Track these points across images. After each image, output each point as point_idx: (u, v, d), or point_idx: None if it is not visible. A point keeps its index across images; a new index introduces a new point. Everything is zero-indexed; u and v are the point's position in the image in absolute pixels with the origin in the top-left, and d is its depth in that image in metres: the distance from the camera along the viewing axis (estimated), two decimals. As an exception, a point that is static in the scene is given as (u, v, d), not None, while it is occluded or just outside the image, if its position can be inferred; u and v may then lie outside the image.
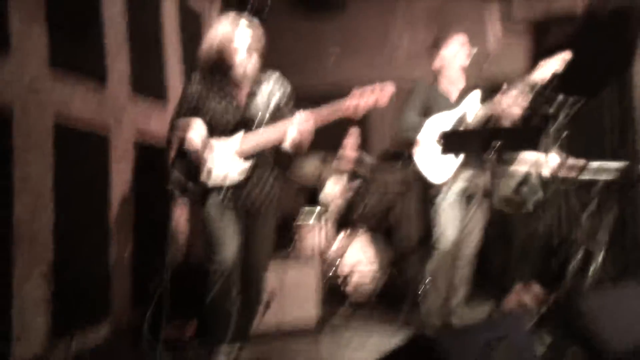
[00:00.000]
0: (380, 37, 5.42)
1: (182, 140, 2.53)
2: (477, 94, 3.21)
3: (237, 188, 2.58)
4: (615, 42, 4.06)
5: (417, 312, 3.31)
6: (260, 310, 2.90)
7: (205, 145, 2.54)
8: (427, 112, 3.21)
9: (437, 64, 3.28)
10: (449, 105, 3.22)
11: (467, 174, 3.14)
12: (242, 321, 2.68)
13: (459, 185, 3.15)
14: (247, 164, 2.57)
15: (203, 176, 2.55)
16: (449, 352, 1.92)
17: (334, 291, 3.94)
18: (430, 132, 3.13)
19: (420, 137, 3.16)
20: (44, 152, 2.91)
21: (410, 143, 3.19)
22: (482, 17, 5.14)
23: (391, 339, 3.19)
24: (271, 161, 2.69)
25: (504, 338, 1.99)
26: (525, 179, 3.42)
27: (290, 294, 3.45)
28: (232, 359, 2.65)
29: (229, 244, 2.56)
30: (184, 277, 3.21)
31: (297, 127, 2.48)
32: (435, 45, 3.28)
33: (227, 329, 2.60)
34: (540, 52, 4.42)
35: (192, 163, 2.56)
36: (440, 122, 3.16)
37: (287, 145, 2.52)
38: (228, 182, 2.55)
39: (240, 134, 2.57)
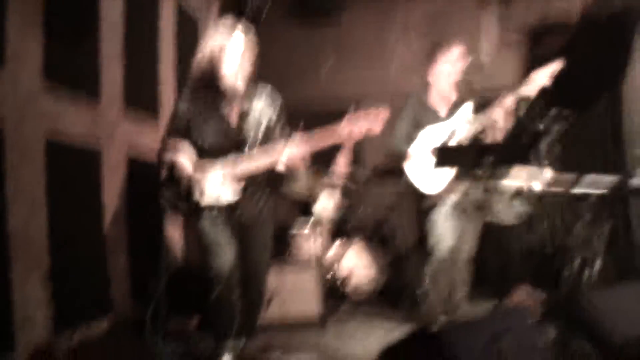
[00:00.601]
0: (375, 46, 5.42)
1: (173, 164, 2.53)
2: (469, 106, 3.23)
3: (231, 207, 2.57)
4: (610, 51, 4.11)
5: (419, 309, 3.31)
6: (263, 307, 2.88)
7: (196, 168, 2.53)
8: (418, 126, 3.23)
9: (431, 77, 3.30)
10: (439, 119, 3.24)
11: (460, 187, 3.15)
12: (247, 318, 2.67)
13: (453, 198, 3.16)
14: (239, 186, 2.56)
15: (196, 196, 2.54)
16: (454, 345, 1.93)
17: (334, 292, 3.95)
18: (422, 145, 3.16)
19: (412, 150, 3.18)
20: (36, 167, 2.90)
21: (401, 157, 3.21)
22: (478, 26, 5.16)
23: (395, 331, 3.18)
24: (264, 180, 2.66)
25: (508, 331, 1.99)
26: (517, 193, 3.45)
27: (291, 294, 3.47)
28: (238, 351, 2.65)
29: (226, 254, 2.56)
30: (185, 275, 3.20)
31: (290, 153, 2.47)
32: (431, 56, 3.29)
33: (230, 330, 2.59)
34: (535, 63, 4.47)
35: (183, 185, 2.54)
36: (432, 135, 3.19)
37: (281, 167, 2.51)
38: (221, 202, 2.54)
39: (232, 157, 2.55)
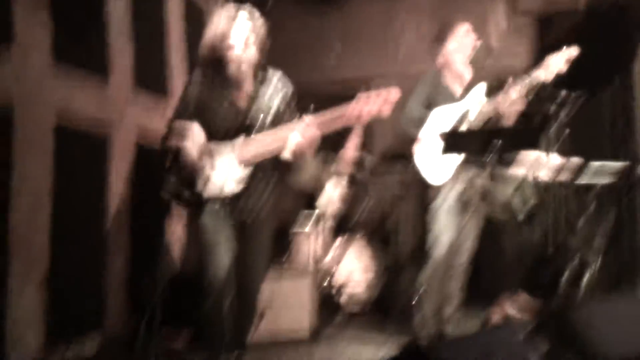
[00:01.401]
0: (383, 30, 5.35)
1: (179, 148, 2.47)
2: (482, 87, 3.16)
3: (234, 199, 2.52)
4: (618, 35, 4.02)
5: (411, 321, 3.27)
6: (255, 320, 2.88)
7: (203, 151, 2.48)
8: (431, 105, 3.17)
9: (441, 58, 3.24)
10: (453, 99, 3.18)
11: (465, 176, 3.11)
12: (239, 330, 2.65)
13: (457, 188, 3.11)
14: (246, 172, 2.51)
15: (199, 186, 2.49)
16: (444, 362, 1.92)
17: (328, 302, 3.92)
18: (433, 126, 3.11)
19: (422, 133, 3.13)
20: (44, 154, 2.89)
21: (411, 139, 3.15)
22: (486, 10, 5.06)
23: (386, 347, 3.19)
24: (270, 169, 2.61)
25: (498, 348, 1.99)
26: (521, 186, 3.41)
27: (284, 304, 3.45)
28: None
29: (222, 257, 2.51)
30: (179, 287, 3.21)
31: (301, 134, 2.41)
32: (440, 38, 3.23)
33: (221, 339, 2.56)
34: (544, 46, 4.37)
35: (187, 172, 2.49)
36: (444, 116, 3.13)
37: (288, 154, 2.44)
38: (225, 193, 2.49)
39: (240, 140, 2.50)
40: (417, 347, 2.15)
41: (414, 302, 3.27)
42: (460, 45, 3.18)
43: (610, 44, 4.05)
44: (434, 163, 3.09)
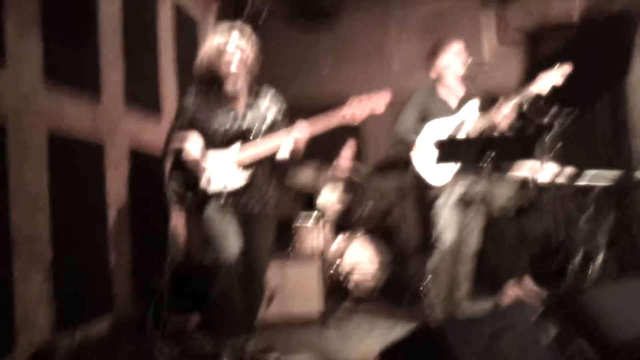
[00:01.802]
0: (374, 46, 5.43)
1: (180, 151, 2.54)
2: (475, 103, 3.22)
3: (237, 194, 2.60)
4: (611, 51, 4.08)
5: (420, 306, 3.32)
6: (264, 305, 2.90)
7: (203, 155, 2.55)
8: (425, 118, 3.22)
9: (434, 72, 3.29)
10: (448, 111, 3.23)
11: (465, 180, 3.14)
12: (247, 314, 2.69)
13: (458, 190, 3.16)
14: (245, 173, 2.59)
15: (203, 184, 2.56)
16: (454, 343, 1.92)
17: (336, 288, 3.95)
18: (429, 136, 3.14)
19: (418, 140, 3.17)
20: (39, 162, 2.90)
21: (408, 146, 3.19)
22: (478, 26, 5.17)
23: (396, 330, 3.20)
24: (268, 169, 2.71)
25: (509, 328, 1.99)
26: (521, 186, 3.44)
27: (293, 291, 3.49)
28: (238, 351, 2.65)
29: (233, 242, 2.56)
30: (186, 273, 3.22)
31: (294, 137, 2.51)
32: (432, 53, 3.28)
33: (231, 324, 2.60)
34: (536, 63, 4.43)
35: (189, 173, 2.56)
36: (439, 128, 3.18)
37: (285, 152, 2.54)
38: (229, 189, 2.56)
39: (237, 145, 2.59)
40: (426, 328, 2.15)
41: (422, 289, 3.31)
42: (452, 62, 3.22)
43: (602, 60, 4.09)
44: (433, 166, 3.12)
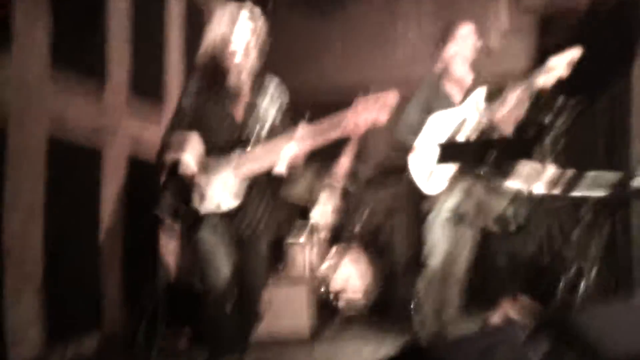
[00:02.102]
0: (383, 34, 5.37)
1: (177, 161, 2.40)
2: (482, 91, 3.12)
3: (232, 214, 2.48)
4: (619, 38, 4.01)
5: (410, 322, 3.28)
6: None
7: (201, 167, 2.43)
8: (430, 110, 3.14)
9: (441, 63, 3.20)
10: (452, 104, 3.15)
11: (460, 187, 3.10)
12: (241, 335, 2.63)
13: (452, 200, 3.10)
14: (242, 187, 2.47)
15: (195, 202, 2.44)
16: (444, 361, 1.91)
17: (326, 307, 3.93)
18: (430, 132, 3.09)
19: (418, 142, 3.11)
20: (37, 165, 2.90)
21: (407, 148, 3.14)
22: (486, 12, 5.09)
23: (386, 347, 3.18)
24: (265, 182, 2.57)
25: (499, 346, 1.98)
26: (515, 198, 3.41)
27: (283, 310, 3.46)
28: None
29: (223, 268, 2.46)
30: (178, 289, 3.21)
31: (295, 146, 2.40)
32: (441, 40, 3.19)
33: (222, 345, 2.55)
34: (545, 47, 4.34)
35: (185, 186, 2.44)
36: (441, 122, 3.11)
37: (282, 167, 2.43)
38: (222, 210, 2.45)
39: (236, 154, 2.47)
40: (416, 347, 2.14)
41: (412, 306, 3.27)
42: (462, 47, 3.11)
43: (611, 45, 4.03)
44: (429, 173, 3.08)
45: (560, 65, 2.78)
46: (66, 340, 3.01)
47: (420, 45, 5.10)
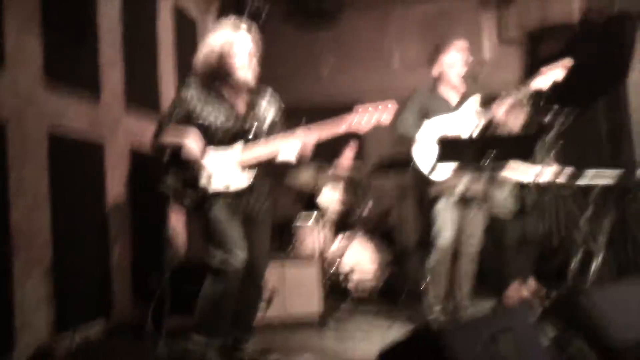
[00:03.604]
0: (376, 46, 5.45)
1: (178, 147, 2.47)
2: (477, 98, 3.23)
3: (239, 195, 2.55)
4: (610, 52, 4.07)
5: (420, 307, 3.31)
6: (263, 306, 2.90)
7: (203, 153, 2.49)
8: (425, 116, 3.22)
9: (436, 70, 3.29)
10: (448, 109, 3.23)
11: (465, 177, 3.14)
12: (245, 317, 2.69)
13: (458, 188, 3.15)
14: (248, 174, 2.56)
15: (203, 182, 2.50)
16: (453, 345, 1.92)
17: (336, 288, 3.94)
18: (430, 133, 3.14)
19: (419, 136, 3.16)
20: (39, 161, 2.90)
21: (409, 141, 3.19)
22: (478, 26, 5.19)
23: (395, 331, 3.19)
24: (264, 170, 2.65)
25: (508, 330, 1.99)
26: (522, 186, 3.44)
27: (292, 291, 3.48)
28: (237, 351, 2.67)
29: (240, 245, 2.51)
30: (186, 273, 3.21)
31: (302, 141, 2.52)
32: (437, 50, 3.29)
33: (229, 325, 2.59)
34: (536, 62, 4.42)
35: (189, 170, 2.49)
36: (440, 125, 3.17)
37: (288, 157, 2.55)
38: (232, 188, 2.52)
39: (239, 144, 2.55)
40: (426, 330, 2.16)
41: (422, 288, 3.31)
42: (456, 60, 3.22)
43: (602, 60, 4.08)
44: (434, 163, 3.10)
45: (552, 74, 2.95)
46: (74, 326, 3.02)
47: (412, 58, 5.17)
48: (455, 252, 3.21)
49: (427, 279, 3.23)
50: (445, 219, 3.16)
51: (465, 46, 3.24)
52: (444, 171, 3.12)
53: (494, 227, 3.48)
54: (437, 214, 3.18)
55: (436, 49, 3.30)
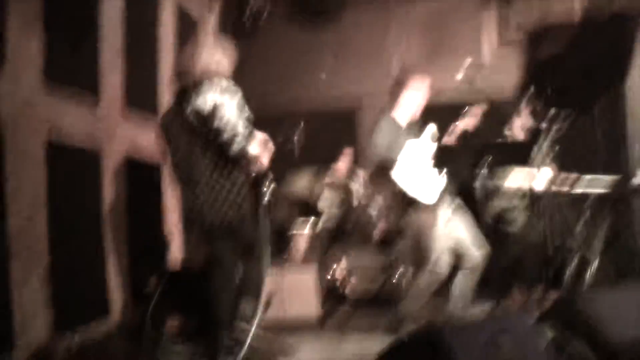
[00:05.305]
0: (376, 47, 5.45)
1: None
2: (432, 128, 3.25)
3: None
4: (611, 52, 4.08)
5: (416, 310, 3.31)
6: (261, 309, 2.90)
7: None
8: (395, 142, 3.20)
9: (396, 104, 3.32)
10: (412, 134, 3.25)
11: (458, 192, 3.16)
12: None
13: (449, 207, 3.17)
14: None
15: None
16: (452, 347, 1.92)
17: (333, 293, 3.95)
18: (407, 155, 3.14)
19: (398, 158, 3.15)
20: (37, 167, 2.90)
21: (388, 163, 3.17)
22: (478, 26, 5.17)
23: (392, 334, 3.19)
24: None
25: (507, 332, 2.00)
26: (514, 197, 3.46)
27: (290, 296, 3.50)
28: (234, 353, 2.66)
29: None
30: (184, 275, 3.22)
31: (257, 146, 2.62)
32: (396, 86, 3.33)
33: (229, 327, 2.62)
34: (535, 63, 4.43)
35: None
36: (413, 148, 3.18)
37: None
38: None
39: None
40: (425, 332, 2.17)
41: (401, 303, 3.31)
42: (414, 97, 3.27)
43: (602, 60, 4.09)
44: (420, 184, 3.11)
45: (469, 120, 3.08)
46: (73, 327, 3.01)
47: (412, 58, 5.19)
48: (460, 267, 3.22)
49: (411, 293, 3.24)
50: (443, 246, 3.15)
51: (424, 83, 3.27)
52: (432, 193, 3.10)
53: (492, 234, 3.49)
54: (433, 242, 3.17)
55: (397, 82, 3.33)
